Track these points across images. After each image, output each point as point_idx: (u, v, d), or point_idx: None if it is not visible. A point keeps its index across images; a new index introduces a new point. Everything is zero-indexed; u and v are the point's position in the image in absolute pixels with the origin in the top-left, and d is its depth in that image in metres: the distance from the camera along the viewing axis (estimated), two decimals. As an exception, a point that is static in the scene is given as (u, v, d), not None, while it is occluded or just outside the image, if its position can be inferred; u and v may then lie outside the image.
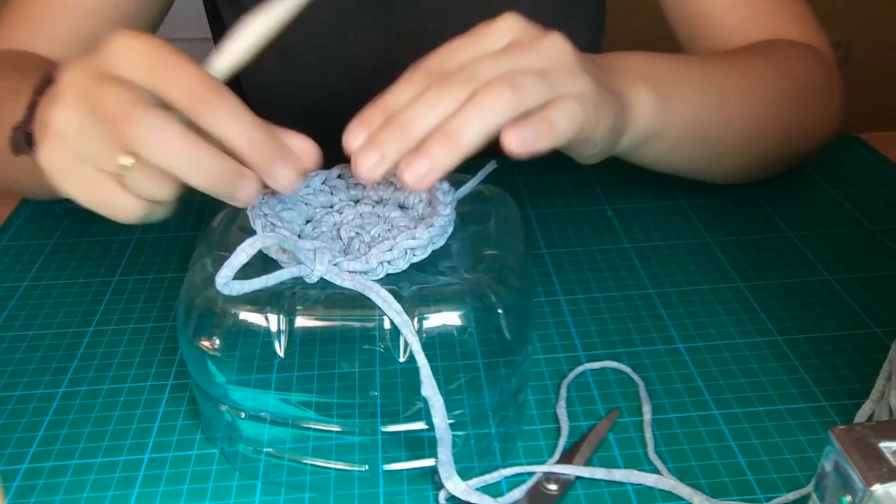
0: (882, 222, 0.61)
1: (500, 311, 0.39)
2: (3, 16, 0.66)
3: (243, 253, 0.37)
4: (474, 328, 0.38)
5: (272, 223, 0.41)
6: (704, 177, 0.63)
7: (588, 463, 0.42)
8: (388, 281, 0.39)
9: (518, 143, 0.39)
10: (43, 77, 0.48)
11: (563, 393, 0.46)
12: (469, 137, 0.38)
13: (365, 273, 0.39)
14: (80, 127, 0.38)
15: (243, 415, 0.40)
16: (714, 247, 0.59)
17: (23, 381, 0.48)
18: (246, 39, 0.40)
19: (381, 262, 0.39)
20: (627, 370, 0.48)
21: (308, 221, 0.44)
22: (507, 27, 0.42)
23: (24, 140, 0.48)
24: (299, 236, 0.43)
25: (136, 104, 0.36)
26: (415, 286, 0.39)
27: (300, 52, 0.69)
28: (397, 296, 0.38)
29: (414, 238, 0.40)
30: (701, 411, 0.45)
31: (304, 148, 0.40)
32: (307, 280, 0.39)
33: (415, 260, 0.40)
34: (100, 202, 0.39)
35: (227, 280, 0.36)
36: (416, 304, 0.38)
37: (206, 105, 0.36)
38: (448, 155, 0.38)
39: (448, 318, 0.38)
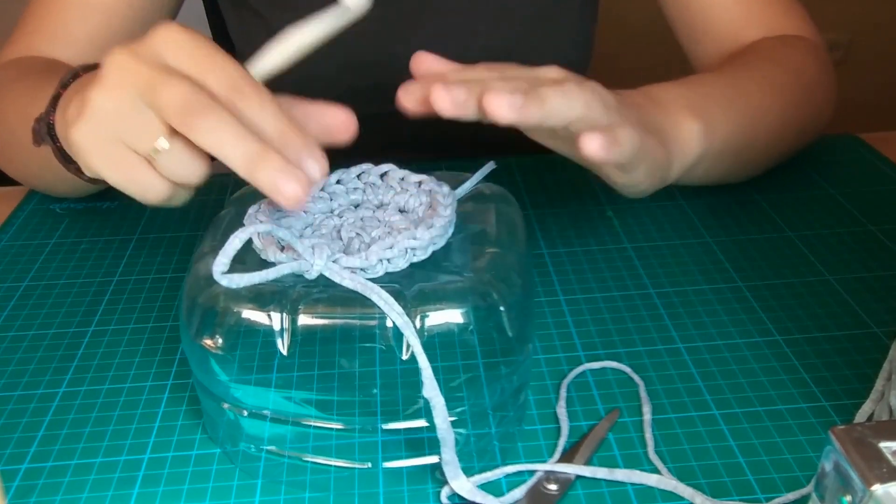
0: (882, 222, 0.61)
1: (501, 308, 0.39)
2: (21, 23, 0.66)
3: (237, 239, 0.37)
4: (476, 326, 0.38)
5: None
6: (730, 181, 0.66)
7: (588, 463, 0.42)
8: (389, 279, 0.39)
9: (596, 147, 0.40)
10: (69, 72, 0.50)
11: (563, 393, 0.46)
12: (552, 106, 0.40)
13: (364, 270, 0.39)
14: (121, 108, 0.39)
15: (245, 413, 0.40)
16: (714, 247, 0.59)
17: (23, 380, 0.48)
18: (288, 48, 0.42)
19: (381, 260, 0.39)
20: (627, 370, 0.48)
21: (308, 226, 0.45)
22: (552, 70, 0.45)
23: (45, 131, 0.49)
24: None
25: (194, 94, 0.38)
26: (416, 285, 0.39)
27: None
28: (398, 294, 0.38)
29: (415, 238, 0.40)
30: (701, 411, 0.45)
31: (341, 119, 0.41)
32: (307, 276, 0.39)
33: (415, 260, 0.40)
34: (129, 182, 0.40)
35: (223, 268, 0.36)
36: (417, 302, 0.38)
37: (243, 95, 0.38)
38: (535, 107, 0.39)
39: (450, 317, 0.38)
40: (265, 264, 0.40)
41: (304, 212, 0.45)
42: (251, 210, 0.43)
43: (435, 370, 0.37)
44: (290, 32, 0.42)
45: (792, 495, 0.40)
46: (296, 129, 0.39)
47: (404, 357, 0.38)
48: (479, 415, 0.40)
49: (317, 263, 0.38)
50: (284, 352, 0.38)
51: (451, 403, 0.38)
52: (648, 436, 0.43)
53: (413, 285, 0.39)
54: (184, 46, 0.39)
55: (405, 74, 0.72)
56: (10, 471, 0.43)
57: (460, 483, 0.39)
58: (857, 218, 0.62)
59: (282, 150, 0.38)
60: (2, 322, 0.54)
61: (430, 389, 0.37)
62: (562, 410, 0.45)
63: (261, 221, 0.41)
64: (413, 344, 0.37)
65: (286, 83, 0.80)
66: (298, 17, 0.69)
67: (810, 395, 0.46)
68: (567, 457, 0.42)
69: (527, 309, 0.41)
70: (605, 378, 0.47)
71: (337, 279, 0.38)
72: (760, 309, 0.53)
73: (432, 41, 0.70)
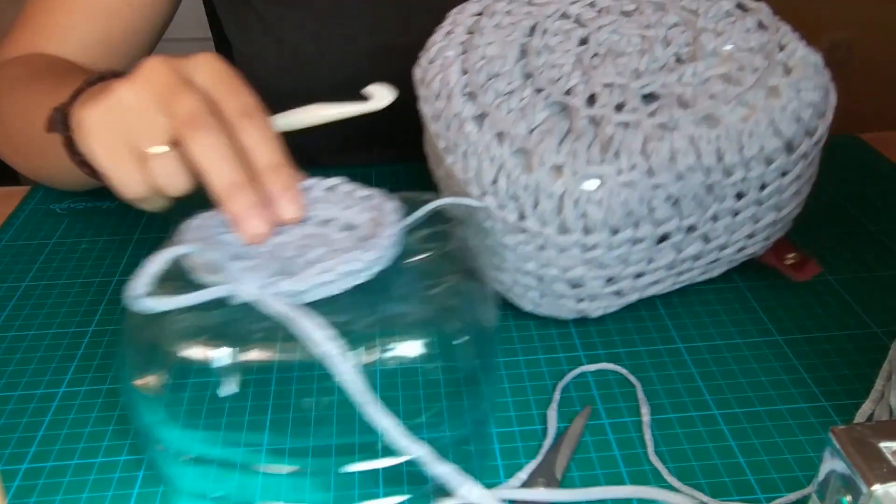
0: (882, 222, 0.61)
1: (454, 342, 0.37)
2: (19, 21, 0.67)
3: (156, 261, 0.34)
4: (424, 360, 0.36)
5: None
6: None
7: (570, 462, 0.42)
8: (331, 309, 0.36)
9: None
10: (97, 74, 0.53)
11: (557, 395, 0.46)
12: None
13: (301, 293, 0.37)
14: (137, 104, 0.42)
15: (190, 457, 0.38)
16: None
17: (23, 380, 0.48)
18: (310, 117, 0.45)
19: (319, 284, 0.37)
20: (624, 371, 0.47)
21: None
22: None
23: (60, 119, 0.52)
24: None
25: (206, 112, 0.41)
26: (365, 316, 0.37)
27: (299, 39, 0.70)
28: (343, 326, 0.35)
29: (355, 260, 0.38)
30: (701, 411, 0.45)
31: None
32: (234, 301, 0.36)
33: (357, 282, 0.38)
34: (115, 171, 0.43)
35: (139, 293, 0.33)
36: (366, 335, 0.36)
37: (251, 121, 0.41)
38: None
39: (404, 350, 0.36)
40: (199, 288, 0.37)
41: None
42: (189, 224, 0.41)
43: (390, 403, 0.35)
44: (317, 106, 0.45)
45: (792, 495, 0.40)
46: (287, 168, 0.42)
47: (340, 397, 0.35)
48: (438, 451, 0.38)
49: (248, 289, 0.35)
50: (227, 392, 0.36)
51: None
52: (648, 437, 0.43)
53: (360, 314, 0.37)
54: (216, 72, 0.43)
55: (404, 59, 0.72)
56: (10, 471, 0.43)
57: (469, 488, 0.37)
58: (857, 218, 0.62)
59: (267, 182, 0.41)
60: (2, 322, 0.54)
61: (377, 421, 0.35)
62: (552, 413, 0.45)
63: (197, 238, 0.39)
64: (342, 380, 0.34)
65: (288, 83, 0.79)
66: (293, 13, 0.69)
67: (810, 395, 0.46)
68: (549, 457, 0.42)
69: (486, 340, 0.39)
70: (605, 378, 0.47)
71: (268, 305, 0.35)
72: (760, 309, 0.53)
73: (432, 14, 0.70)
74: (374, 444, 0.37)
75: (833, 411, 0.45)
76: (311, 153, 0.79)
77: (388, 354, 0.36)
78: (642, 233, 0.45)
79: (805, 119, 0.46)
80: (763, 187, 0.46)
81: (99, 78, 0.53)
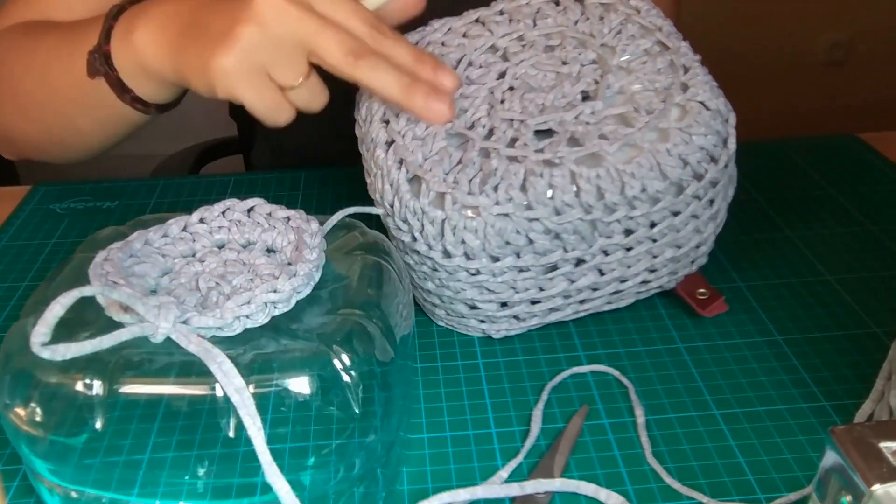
0: (882, 222, 0.61)
1: (346, 380, 0.35)
2: (9, 4, 0.66)
3: (58, 305, 0.31)
4: (314, 399, 0.35)
5: (113, 282, 0.36)
6: None
7: (568, 462, 0.42)
8: (228, 343, 0.35)
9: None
10: (114, 7, 0.54)
11: (544, 396, 0.46)
12: None
13: (220, 329, 0.35)
14: (273, 44, 0.45)
15: (74, 493, 0.37)
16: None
17: (23, 381, 0.48)
18: None
19: (238, 317, 0.36)
20: (615, 373, 0.47)
21: (166, 274, 0.40)
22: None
23: (101, 61, 0.54)
24: (154, 292, 0.39)
25: (353, 39, 0.45)
26: (251, 353, 0.35)
27: None
28: (234, 362, 0.34)
29: (275, 291, 0.36)
30: (701, 411, 0.45)
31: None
32: (152, 340, 0.34)
33: (276, 313, 0.37)
34: (267, 107, 0.47)
35: (43, 339, 0.31)
36: (251, 371, 0.34)
37: (383, 35, 0.46)
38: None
39: (292, 386, 0.35)
40: (114, 326, 0.34)
41: (162, 255, 0.41)
42: (97, 258, 0.38)
43: (275, 440, 0.34)
44: None
45: (793, 496, 0.40)
46: (423, 54, 0.47)
47: (231, 434, 0.34)
48: (319, 499, 0.37)
49: (162, 326, 0.34)
50: (99, 426, 0.35)
51: (292, 482, 0.34)
52: (644, 438, 0.43)
53: (250, 353, 0.35)
54: None
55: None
56: (10, 471, 0.43)
57: None
58: (857, 218, 0.62)
59: (418, 73, 0.46)
60: (2, 322, 0.54)
61: (271, 475, 0.33)
62: (537, 413, 0.45)
63: (106, 272, 0.37)
64: (248, 425, 0.33)
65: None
66: None
67: (810, 395, 0.46)
68: (548, 456, 0.42)
69: (387, 379, 0.37)
70: (604, 378, 0.47)
71: (183, 343, 0.34)
72: (760, 309, 0.53)
73: None
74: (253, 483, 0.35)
75: (833, 411, 0.45)
76: (306, 151, 0.78)
77: (270, 391, 0.34)
78: (525, 262, 0.46)
79: (693, 163, 0.47)
80: (653, 225, 0.47)
81: (119, 10, 0.54)
